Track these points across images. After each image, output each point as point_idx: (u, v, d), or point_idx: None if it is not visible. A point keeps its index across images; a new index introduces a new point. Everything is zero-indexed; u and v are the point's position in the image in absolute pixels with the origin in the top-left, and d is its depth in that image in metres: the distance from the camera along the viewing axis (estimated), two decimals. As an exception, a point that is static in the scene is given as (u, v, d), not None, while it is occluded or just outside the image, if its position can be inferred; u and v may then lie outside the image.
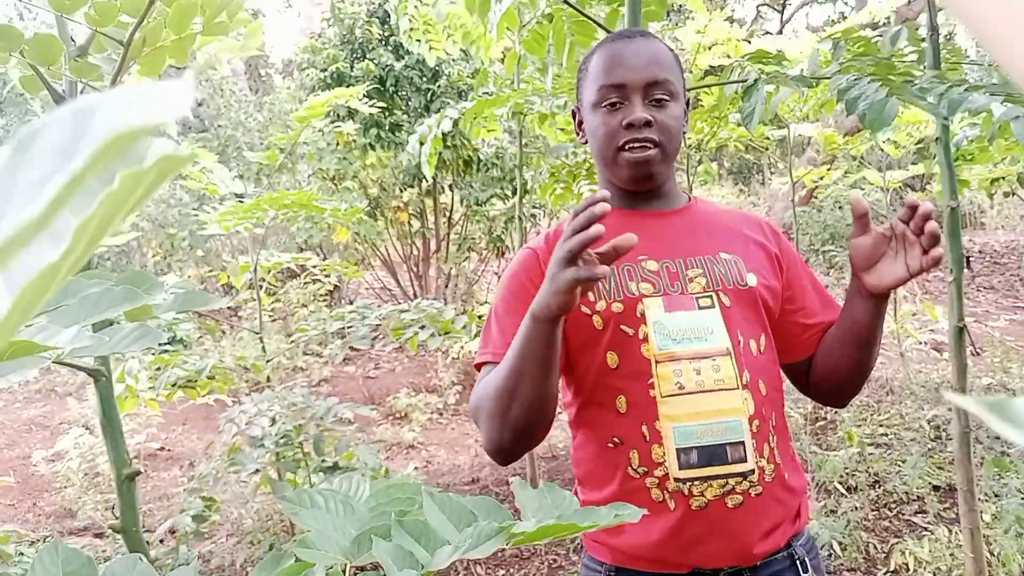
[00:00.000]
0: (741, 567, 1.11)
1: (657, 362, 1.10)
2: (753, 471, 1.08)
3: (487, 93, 2.96)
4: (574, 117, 1.29)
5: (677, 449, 1.07)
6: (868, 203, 1.09)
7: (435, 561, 0.65)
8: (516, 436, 1.07)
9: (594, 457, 1.16)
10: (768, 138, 4.00)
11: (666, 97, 1.15)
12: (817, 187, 7.56)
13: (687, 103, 1.23)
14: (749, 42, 3.30)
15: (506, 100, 2.81)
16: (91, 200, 0.16)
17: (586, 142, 1.26)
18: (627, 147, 1.14)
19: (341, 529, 0.74)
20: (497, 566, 3.14)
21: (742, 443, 1.07)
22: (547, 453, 4.46)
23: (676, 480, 1.07)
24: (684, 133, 1.23)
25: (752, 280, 1.16)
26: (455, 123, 2.93)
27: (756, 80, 1.81)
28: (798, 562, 1.14)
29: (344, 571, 0.69)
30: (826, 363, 1.22)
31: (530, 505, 0.74)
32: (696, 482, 1.07)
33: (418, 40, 3.14)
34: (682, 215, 1.23)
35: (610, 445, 1.13)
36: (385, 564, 0.65)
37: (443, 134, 2.95)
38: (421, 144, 2.95)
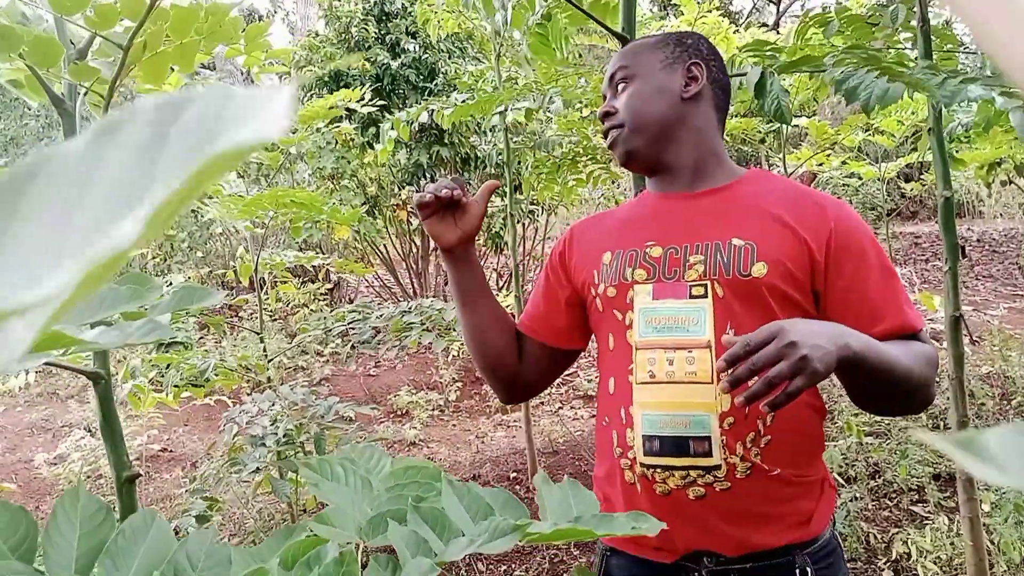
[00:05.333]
0: (724, 555, 1.09)
1: (637, 349, 1.12)
2: (719, 467, 1.05)
3: (471, 91, 3.04)
4: None
5: (643, 436, 1.09)
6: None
7: (449, 552, 0.65)
8: (479, 365, 1.32)
9: (598, 433, 1.23)
10: (760, 131, 4.00)
11: (623, 81, 1.22)
12: (815, 177, 7.56)
13: (695, 67, 1.20)
14: (746, 28, 3.31)
15: (479, 106, 2.88)
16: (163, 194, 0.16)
17: None
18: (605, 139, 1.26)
19: (358, 506, 0.74)
20: (499, 562, 3.15)
21: (708, 438, 1.05)
22: (547, 448, 4.47)
23: (642, 465, 1.09)
24: (686, 96, 1.19)
25: (760, 270, 1.08)
26: (431, 115, 3.12)
27: (763, 74, 1.81)
28: (797, 570, 1.09)
29: (357, 550, 0.69)
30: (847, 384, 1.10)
31: (550, 502, 0.72)
32: (658, 470, 1.08)
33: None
34: (715, 196, 1.19)
35: (604, 423, 1.18)
36: (399, 549, 0.65)
37: (440, 132, 3.06)
38: (393, 127, 3.13)
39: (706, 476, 1.06)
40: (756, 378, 0.91)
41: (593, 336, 1.30)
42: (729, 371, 0.92)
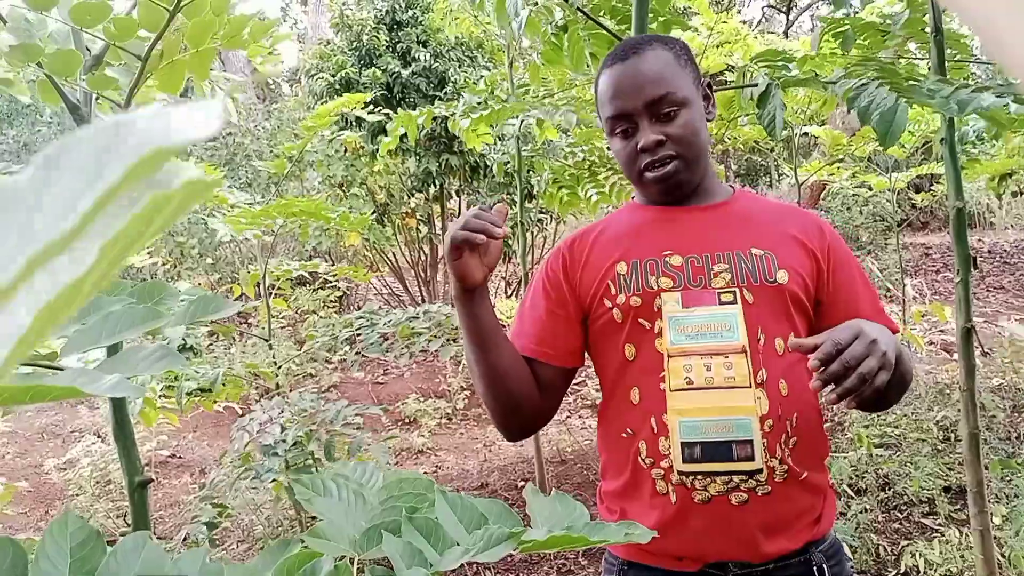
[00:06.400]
0: (750, 562, 1.10)
1: (669, 356, 1.11)
2: (761, 470, 1.07)
3: (479, 104, 3.00)
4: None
5: (682, 443, 1.08)
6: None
7: (444, 561, 0.65)
8: (492, 410, 1.21)
9: (611, 446, 1.20)
10: (771, 140, 4.00)
11: (673, 108, 1.14)
12: (825, 187, 7.54)
13: (708, 87, 1.22)
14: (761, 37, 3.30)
15: (496, 117, 2.86)
16: (117, 221, 0.16)
17: None
18: (647, 169, 1.16)
19: (352, 520, 0.74)
20: (507, 570, 3.15)
21: (750, 442, 1.06)
22: (555, 457, 4.46)
23: (680, 473, 1.09)
24: (710, 119, 1.22)
25: (783, 277, 1.14)
26: (444, 121, 3.05)
27: (769, 85, 1.81)
28: (815, 568, 1.13)
29: (353, 564, 0.69)
30: None
31: (541, 513, 0.73)
32: (699, 476, 1.08)
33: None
34: (719, 209, 1.22)
35: (624, 435, 1.16)
36: (394, 560, 0.65)
37: (449, 140, 3.03)
38: (400, 125, 3.09)
39: (748, 481, 1.07)
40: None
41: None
42: (821, 369, 0.95)
